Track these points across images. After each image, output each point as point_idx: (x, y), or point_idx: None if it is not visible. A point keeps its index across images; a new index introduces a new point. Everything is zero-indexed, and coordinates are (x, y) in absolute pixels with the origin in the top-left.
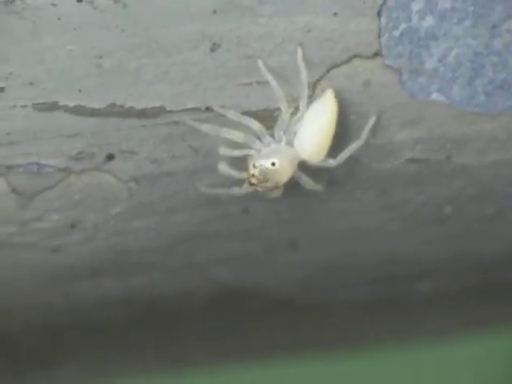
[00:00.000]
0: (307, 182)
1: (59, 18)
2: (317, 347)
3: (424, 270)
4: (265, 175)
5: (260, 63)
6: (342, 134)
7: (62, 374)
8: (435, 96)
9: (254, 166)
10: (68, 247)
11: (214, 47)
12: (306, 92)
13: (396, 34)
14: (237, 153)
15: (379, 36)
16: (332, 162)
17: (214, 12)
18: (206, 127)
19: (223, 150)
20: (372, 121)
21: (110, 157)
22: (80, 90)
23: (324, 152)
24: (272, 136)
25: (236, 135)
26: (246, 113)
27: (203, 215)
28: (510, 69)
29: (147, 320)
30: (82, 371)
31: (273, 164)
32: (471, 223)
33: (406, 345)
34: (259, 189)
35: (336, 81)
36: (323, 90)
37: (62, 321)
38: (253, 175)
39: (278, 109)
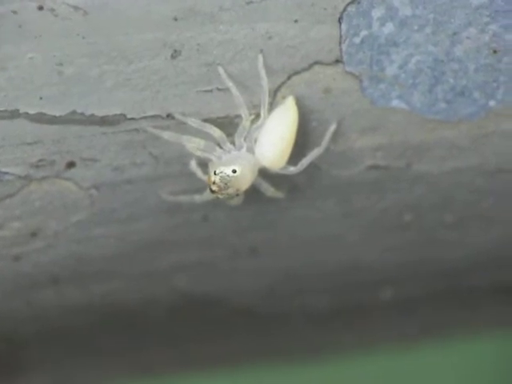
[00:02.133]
0: (268, 189)
1: (20, 26)
2: (277, 355)
3: (385, 278)
4: (225, 182)
5: (220, 70)
6: (302, 141)
7: (26, 381)
8: (396, 103)
9: (215, 173)
10: (29, 255)
11: (175, 54)
12: (266, 99)
13: (357, 40)
14: (199, 153)
15: (340, 43)
16: (293, 169)
17: (175, 19)
18: (166, 134)
19: (189, 147)
20: (332, 128)
21: (71, 164)
22: (41, 98)
23: (285, 159)
24: (233, 143)
25: (197, 142)
26: (207, 120)
27: (164, 223)
28: (470, 76)
29: (109, 327)
30: (45, 379)
31: (234, 171)
32: (432, 230)
33: (367, 352)
34: (220, 196)
35: (297, 88)
36: (284, 97)
37: (25, 328)
38: (214, 182)
39: (239, 116)
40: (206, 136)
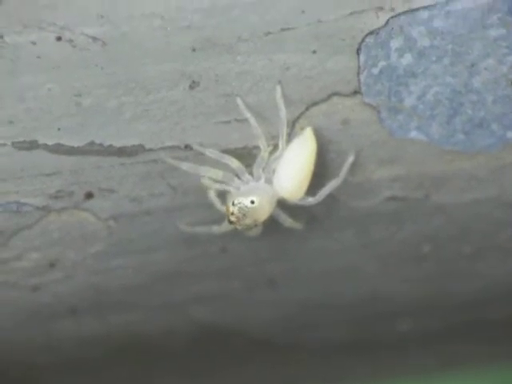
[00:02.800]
0: (286, 220)
1: (39, 57)
2: None
3: (403, 309)
4: (244, 213)
5: (239, 101)
6: (320, 172)
7: None
8: (414, 134)
9: (233, 204)
10: (47, 286)
11: (193, 85)
12: (285, 130)
13: (375, 71)
14: (218, 186)
15: (358, 74)
16: (311, 200)
17: (193, 50)
18: (185, 165)
19: (206, 181)
20: (351, 159)
21: (89, 195)
22: (59, 129)
23: (303, 190)
24: (251, 174)
25: (215, 173)
26: (225, 151)
27: (182, 254)
28: (488, 107)
29: (127, 358)
30: None
31: (252, 202)
32: (450, 262)
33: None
34: (238, 227)
35: (315, 119)
36: (302, 128)
37: (43, 357)
38: (232, 213)
39: (257, 147)
40: (225, 167)
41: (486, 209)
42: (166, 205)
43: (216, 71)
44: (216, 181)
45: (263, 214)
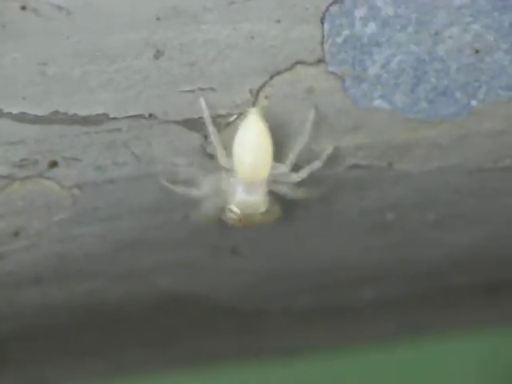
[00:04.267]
0: (288, 193)
1: (3, 26)
2: (258, 354)
3: (366, 278)
4: (243, 215)
5: (202, 103)
6: (285, 142)
7: (4, 381)
8: (378, 102)
9: (231, 211)
10: (12, 254)
11: (158, 54)
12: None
13: (339, 40)
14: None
15: (322, 43)
16: (295, 177)
17: (158, 19)
18: (179, 189)
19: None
20: (312, 114)
21: (53, 164)
22: (24, 98)
23: (266, 168)
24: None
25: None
26: (189, 120)
27: (146, 222)
28: (452, 76)
29: (90, 326)
30: (25, 378)
31: (231, 210)
32: (413, 230)
33: (348, 351)
34: (251, 224)
35: (279, 88)
36: (266, 97)
37: (5, 327)
38: (239, 220)
39: (221, 115)
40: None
41: (449, 177)
42: (129, 174)
43: (180, 40)
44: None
45: (255, 205)
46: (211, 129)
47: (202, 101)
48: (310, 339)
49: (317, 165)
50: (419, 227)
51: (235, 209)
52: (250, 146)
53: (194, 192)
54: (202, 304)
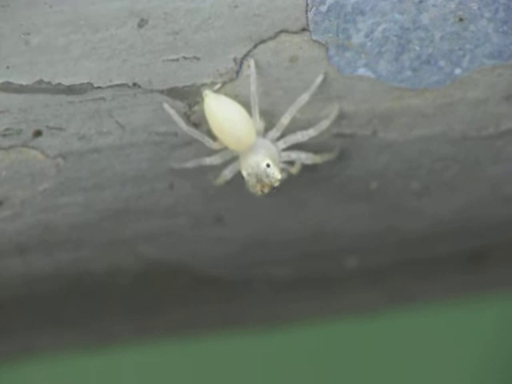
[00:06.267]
0: (308, 158)
1: None
2: (241, 323)
3: (350, 246)
4: (259, 180)
5: (166, 107)
6: (269, 111)
7: None
8: (362, 71)
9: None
10: None
11: (142, 23)
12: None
13: (323, 9)
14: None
15: (306, 11)
16: (311, 132)
17: None
18: (193, 163)
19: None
20: (319, 78)
21: (38, 133)
22: (8, 67)
23: (250, 131)
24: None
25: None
26: (173, 89)
27: (130, 191)
28: (436, 44)
29: (75, 296)
30: (11, 346)
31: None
32: (397, 199)
33: (331, 321)
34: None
35: (263, 56)
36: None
37: None
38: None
39: (205, 84)
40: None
41: (433, 145)
42: (114, 143)
43: (164, 9)
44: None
45: (273, 173)
46: (186, 128)
47: (166, 106)
48: (292, 308)
49: (325, 124)
50: (403, 196)
51: (247, 175)
52: (221, 126)
53: (208, 161)
54: (185, 273)
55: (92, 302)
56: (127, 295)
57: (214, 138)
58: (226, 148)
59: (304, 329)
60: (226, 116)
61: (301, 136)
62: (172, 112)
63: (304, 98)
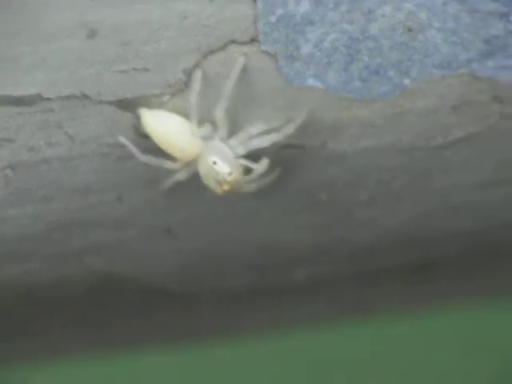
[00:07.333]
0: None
1: None
2: (192, 336)
3: (299, 258)
4: (216, 180)
5: (121, 138)
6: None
7: None
8: (311, 81)
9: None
10: None
11: (91, 34)
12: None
13: (272, 19)
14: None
15: (255, 22)
16: (275, 136)
17: None
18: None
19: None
20: (241, 61)
21: None
22: None
23: (196, 140)
24: None
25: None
26: (123, 100)
27: (78, 203)
28: (384, 54)
29: (23, 309)
30: None
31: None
32: (346, 209)
33: (281, 333)
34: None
35: (212, 67)
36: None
37: None
38: (221, 188)
39: (155, 95)
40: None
41: (381, 156)
42: (63, 154)
43: (114, 20)
44: None
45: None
46: (143, 158)
47: (122, 138)
48: (244, 320)
49: (290, 128)
50: (352, 207)
51: (204, 179)
52: (163, 140)
53: (180, 176)
54: (135, 285)
55: (41, 315)
56: (76, 308)
57: (170, 157)
58: (185, 162)
59: (255, 341)
60: (165, 130)
61: (263, 141)
62: (127, 143)
63: (228, 86)
